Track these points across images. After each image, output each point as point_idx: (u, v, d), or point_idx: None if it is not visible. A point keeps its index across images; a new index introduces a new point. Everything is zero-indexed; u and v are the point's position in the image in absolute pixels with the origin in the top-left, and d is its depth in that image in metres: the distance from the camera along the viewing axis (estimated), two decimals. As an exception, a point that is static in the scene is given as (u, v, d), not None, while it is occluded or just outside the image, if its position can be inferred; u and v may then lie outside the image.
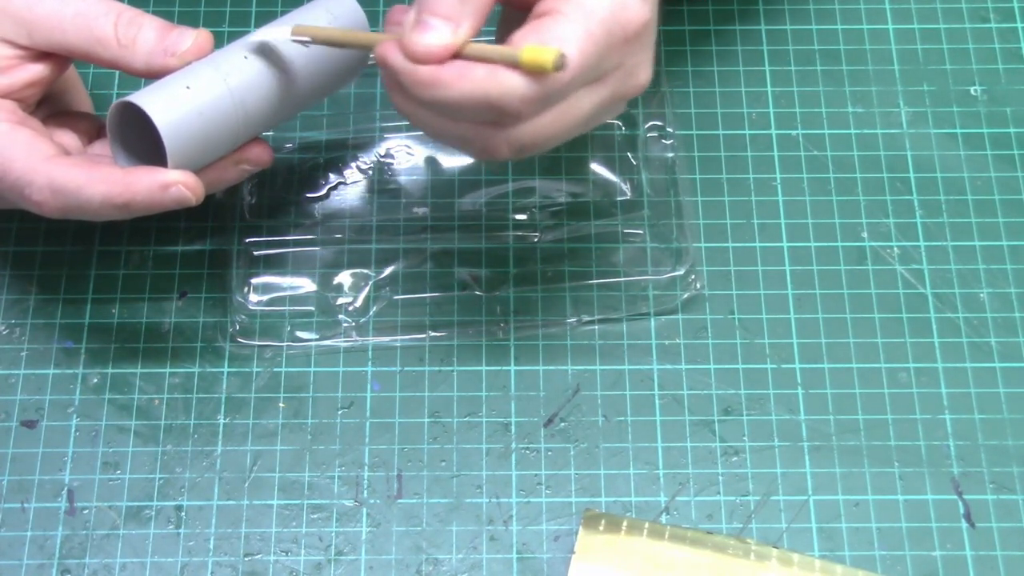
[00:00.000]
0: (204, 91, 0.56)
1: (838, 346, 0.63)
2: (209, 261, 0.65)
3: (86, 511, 0.59)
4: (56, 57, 0.59)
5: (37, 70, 0.58)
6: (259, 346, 0.63)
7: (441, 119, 0.54)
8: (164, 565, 0.58)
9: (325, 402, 0.62)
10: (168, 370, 0.62)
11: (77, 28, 0.57)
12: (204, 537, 0.59)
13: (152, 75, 0.58)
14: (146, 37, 0.57)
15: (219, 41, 0.70)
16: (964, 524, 0.60)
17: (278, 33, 0.57)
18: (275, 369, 0.63)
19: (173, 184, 0.55)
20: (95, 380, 0.62)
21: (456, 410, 0.62)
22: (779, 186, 0.67)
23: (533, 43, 0.52)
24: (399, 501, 0.60)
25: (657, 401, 0.62)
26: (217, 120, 0.56)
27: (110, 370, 0.62)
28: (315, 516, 0.59)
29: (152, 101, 0.55)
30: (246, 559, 0.59)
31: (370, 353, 0.63)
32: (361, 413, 0.62)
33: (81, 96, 0.64)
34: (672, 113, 0.68)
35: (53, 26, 0.57)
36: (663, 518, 0.59)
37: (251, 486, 0.60)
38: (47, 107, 0.61)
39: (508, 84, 0.52)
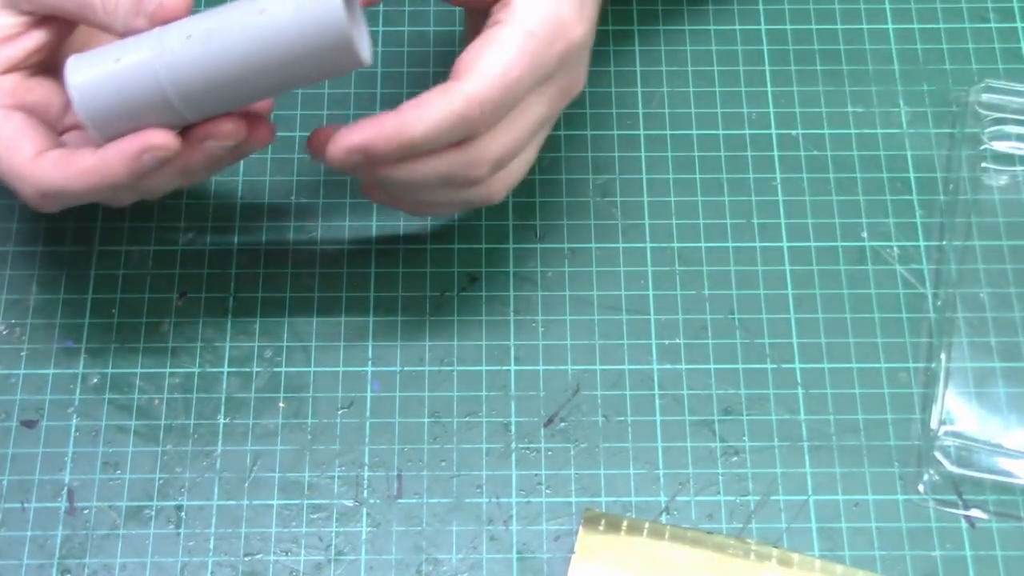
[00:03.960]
0: (131, 55, 0.54)
1: (838, 346, 0.63)
2: (209, 261, 0.65)
3: (86, 511, 0.59)
4: (58, 21, 0.58)
5: (39, 36, 0.57)
6: (259, 346, 0.63)
7: (415, 165, 0.55)
8: (164, 565, 0.58)
9: (325, 402, 0.62)
10: (168, 370, 0.62)
11: None
12: (204, 537, 0.59)
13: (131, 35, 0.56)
14: (125, 1, 0.55)
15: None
16: (964, 524, 0.60)
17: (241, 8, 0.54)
18: (275, 369, 0.63)
19: (143, 152, 0.54)
20: (95, 380, 0.62)
21: (456, 410, 0.62)
22: (779, 186, 0.67)
23: (477, 50, 0.54)
24: (399, 501, 0.60)
25: (657, 401, 0.62)
26: (139, 92, 0.54)
27: (110, 370, 0.62)
28: (315, 516, 0.59)
29: (77, 68, 0.54)
30: (246, 559, 0.59)
31: (370, 353, 0.63)
32: (361, 413, 0.62)
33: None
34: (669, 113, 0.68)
35: None
36: (663, 518, 0.59)
37: (251, 486, 0.60)
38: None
39: (465, 91, 0.53)
